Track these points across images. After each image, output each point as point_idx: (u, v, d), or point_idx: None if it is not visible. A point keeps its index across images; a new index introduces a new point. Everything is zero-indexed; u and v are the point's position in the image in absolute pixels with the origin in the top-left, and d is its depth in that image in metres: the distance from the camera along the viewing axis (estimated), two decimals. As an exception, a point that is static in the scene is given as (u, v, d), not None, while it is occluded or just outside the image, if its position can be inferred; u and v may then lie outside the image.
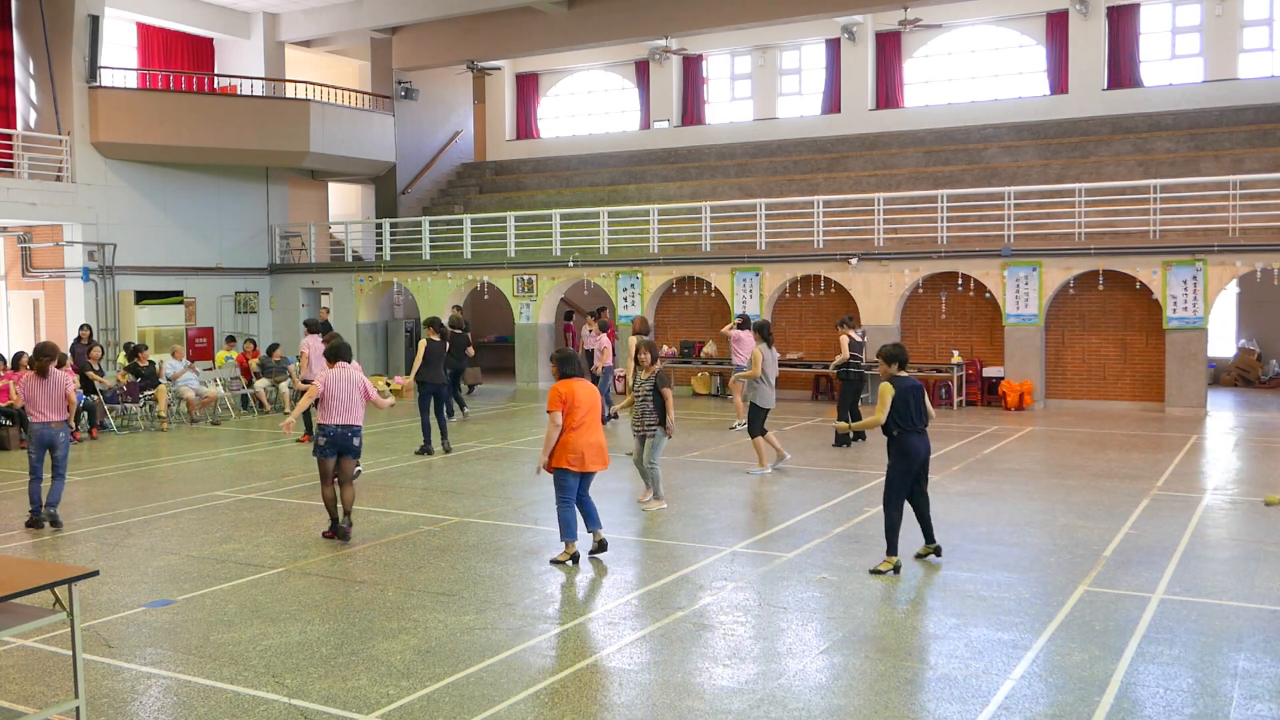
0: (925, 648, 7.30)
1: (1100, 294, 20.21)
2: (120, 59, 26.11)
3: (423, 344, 16.06)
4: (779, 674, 6.81)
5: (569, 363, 9.60)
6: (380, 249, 27.40)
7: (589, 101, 32.37)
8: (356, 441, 10.46)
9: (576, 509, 9.54)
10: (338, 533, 10.46)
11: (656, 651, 7.26)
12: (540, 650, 7.31)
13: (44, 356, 11.19)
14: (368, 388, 10.58)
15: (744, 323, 17.80)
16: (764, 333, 14.05)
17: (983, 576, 8.90)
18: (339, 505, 10.44)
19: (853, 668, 6.90)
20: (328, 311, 26.16)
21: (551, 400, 9.34)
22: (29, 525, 11.27)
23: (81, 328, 21.06)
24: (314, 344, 15.25)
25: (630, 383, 12.01)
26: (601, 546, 9.68)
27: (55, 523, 11.25)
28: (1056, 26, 25.66)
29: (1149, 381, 20.10)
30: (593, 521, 9.71)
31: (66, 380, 11.33)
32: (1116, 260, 19.63)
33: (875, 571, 8.99)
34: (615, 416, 18.19)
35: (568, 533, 9.47)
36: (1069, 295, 20.41)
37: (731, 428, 17.73)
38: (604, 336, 19.09)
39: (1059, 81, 25.68)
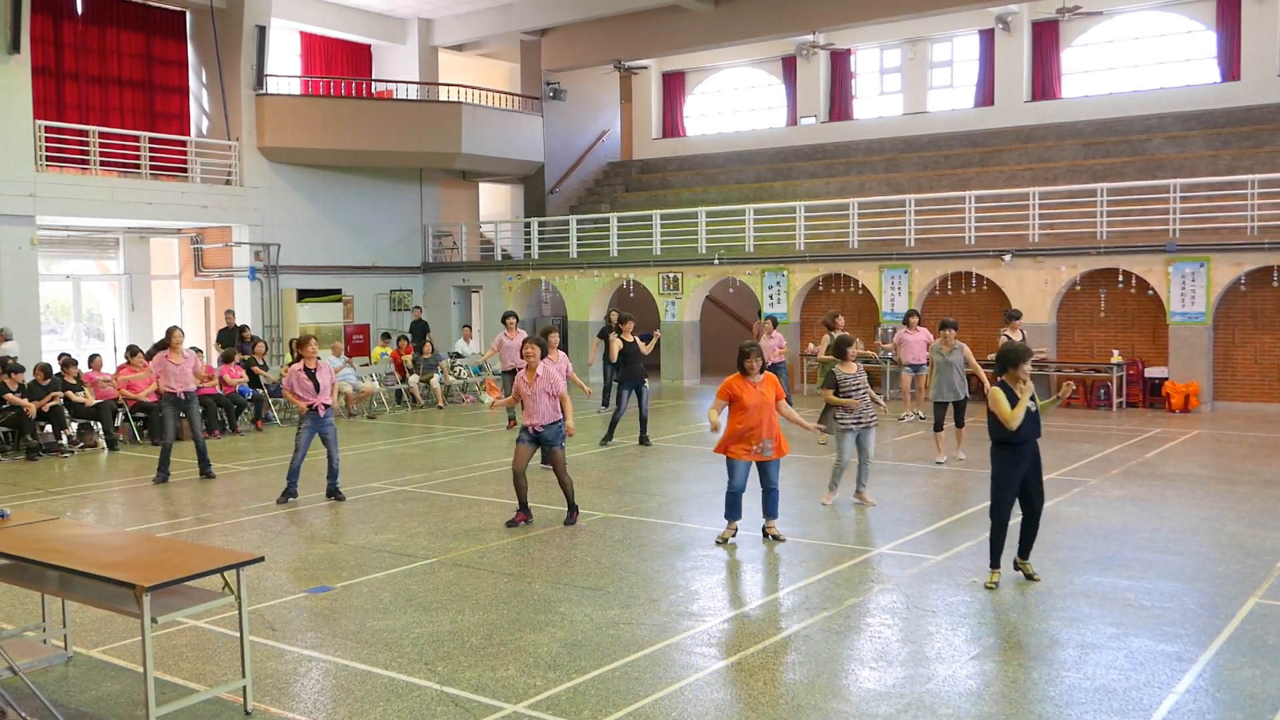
0: (1082, 657, 7.03)
1: (1275, 291, 19.14)
2: (285, 67, 27.23)
3: (617, 342, 16.42)
4: (927, 679, 6.67)
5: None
6: (529, 247, 27.89)
7: (735, 99, 32.26)
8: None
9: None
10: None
11: (801, 651, 7.19)
12: (684, 647, 7.32)
13: (300, 347, 12.46)
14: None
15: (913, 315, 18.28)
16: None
17: (1144, 585, 8.53)
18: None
19: (1005, 675, 6.70)
20: (420, 310, 26.66)
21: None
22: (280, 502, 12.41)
23: (228, 314, 22.71)
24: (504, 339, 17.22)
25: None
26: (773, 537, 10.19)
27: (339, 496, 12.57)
28: (1228, 9, 24.37)
29: (1329, 384, 18.97)
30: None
31: (291, 372, 12.43)
32: (1293, 255, 18.57)
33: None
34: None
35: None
36: (1240, 292, 19.39)
37: (901, 419, 18.25)
38: (778, 334, 19.16)
39: (1231, 67, 24.39)
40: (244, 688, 6.29)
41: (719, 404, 10.08)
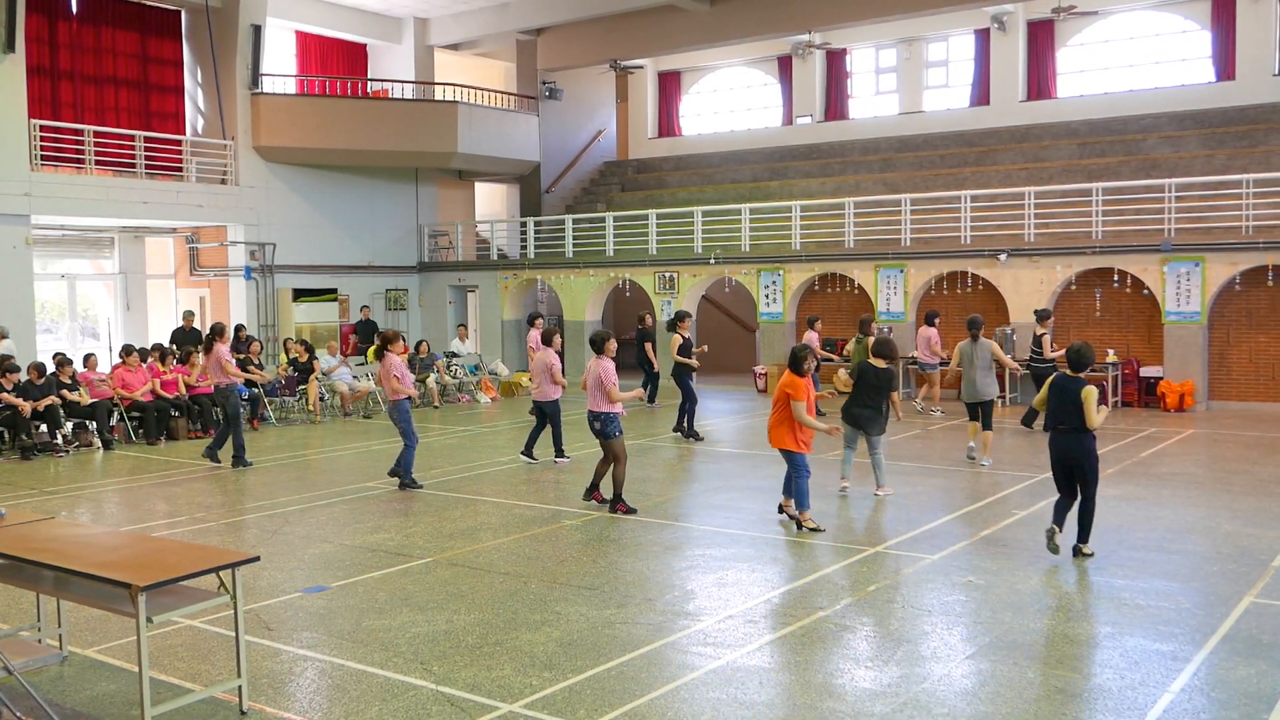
0: (1078, 656, 7.05)
1: (1270, 290, 19.18)
2: (280, 66, 27.20)
3: (677, 339, 17.08)
4: (923, 678, 6.68)
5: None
6: (524, 247, 27.88)
7: (731, 98, 32.28)
8: (597, 425, 11.52)
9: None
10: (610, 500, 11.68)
11: (797, 651, 7.20)
12: (680, 646, 7.32)
13: (387, 343, 12.86)
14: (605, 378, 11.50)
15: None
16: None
17: (1139, 584, 8.55)
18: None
19: (1000, 674, 6.71)
20: (367, 309, 26.32)
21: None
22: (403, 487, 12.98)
23: (187, 315, 22.75)
24: (536, 337, 17.97)
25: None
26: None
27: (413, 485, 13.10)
28: (1223, 9, 24.42)
29: (1323, 383, 18.99)
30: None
31: (392, 363, 12.72)
32: (1288, 255, 18.59)
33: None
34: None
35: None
36: (1235, 292, 19.43)
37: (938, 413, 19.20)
38: (813, 334, 19.51)
39: (1226, 67, 24.43)
40: (239, 687, 6.28)
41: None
